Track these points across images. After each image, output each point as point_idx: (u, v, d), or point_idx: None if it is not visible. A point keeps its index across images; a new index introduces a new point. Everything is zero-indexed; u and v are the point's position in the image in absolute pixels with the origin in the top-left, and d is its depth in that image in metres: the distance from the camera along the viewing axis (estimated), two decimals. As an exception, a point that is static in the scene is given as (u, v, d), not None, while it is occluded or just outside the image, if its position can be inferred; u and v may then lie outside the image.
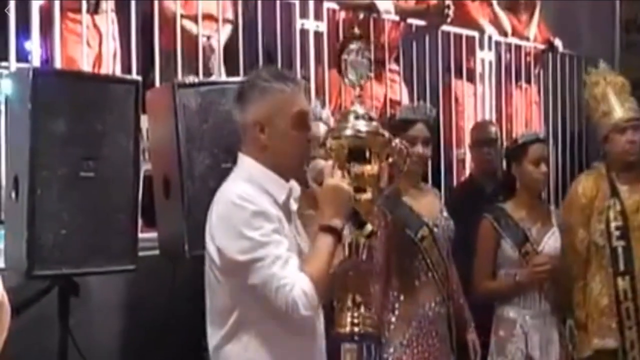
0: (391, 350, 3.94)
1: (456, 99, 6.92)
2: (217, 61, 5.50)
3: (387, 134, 3.11)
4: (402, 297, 4.01)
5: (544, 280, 4.39)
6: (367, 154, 3.04)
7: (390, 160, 3.14)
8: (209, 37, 5.48)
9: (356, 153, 3.02)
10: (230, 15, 5.71)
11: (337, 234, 2.80)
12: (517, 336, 4.39)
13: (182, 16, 5.35)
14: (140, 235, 3.93)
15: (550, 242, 4.47)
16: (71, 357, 3.75)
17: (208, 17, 5.55)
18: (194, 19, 5.45)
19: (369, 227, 2.94)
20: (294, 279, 2.69)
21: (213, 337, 2.87)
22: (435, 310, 4.05)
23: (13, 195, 3.62)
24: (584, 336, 4.40)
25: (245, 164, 2.89)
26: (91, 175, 3.65)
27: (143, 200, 4.09)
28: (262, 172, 2.84)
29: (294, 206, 2.95)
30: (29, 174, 3.51)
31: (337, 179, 2.86)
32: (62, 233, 3.56)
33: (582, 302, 4.42)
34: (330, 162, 2.93)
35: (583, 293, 4.43)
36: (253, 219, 2.72)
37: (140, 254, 3.83)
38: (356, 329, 3.05)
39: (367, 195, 3.02)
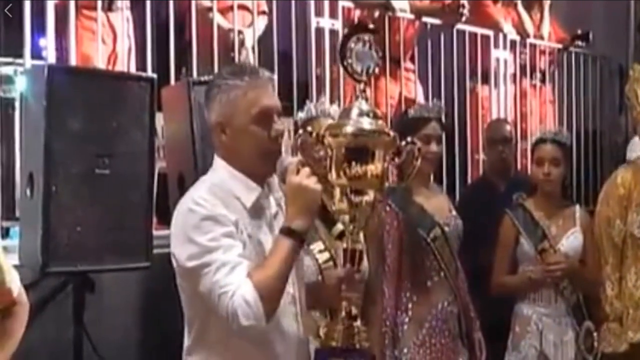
0: (405, 350, 3.94)
1: (482, 105, 6.94)
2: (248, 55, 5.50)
3: (392, 133, 2.83)
4: (414, 298, 4.00)
5: (558, 279, 4.38)
6: (369, 154, 2.75)
7: (398, 160, 2.97)
8: (240, 32, 5.48)
9: (357, 152, 2.74)
10: (264, 7, 5.70)
11: (297, 236, 2.54)
12: (532, 333, 4.40)
13: (210, 9, 5.36)
14: (155, 232, 3.94)
15: (570, 241, 4.46)
16: (85, 353, 3.76)
17: (242, 7, 5.54)
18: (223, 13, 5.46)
19: (339, 227, 2.71)
20: (236, 286, 2.45)
21: (185, 343, 2.70)
22: (447, 310, 4.04)
23: (28, 192, 3.63)
24: (619, 330, 4.36)
25: (217, 166, 2.72)
26: (106, 173, 3.66)
27: (157, 197, 4.10)
28: (230, 175, 2.66)
29: (273, 208, 2.73)
30: (44, 171, 3.52)
31: (302, 177, 2.57)
32: (77, 230, 3.57)
33: (619, 295, 4.36)
34: (296, 159, 2.66)
35: (619, 285, 4.39)
36: (202, 223, 2.52)
37: (155, 251, 3.84)
38: (351, 341, 2.90)
39: (369, 198, 2.74)
